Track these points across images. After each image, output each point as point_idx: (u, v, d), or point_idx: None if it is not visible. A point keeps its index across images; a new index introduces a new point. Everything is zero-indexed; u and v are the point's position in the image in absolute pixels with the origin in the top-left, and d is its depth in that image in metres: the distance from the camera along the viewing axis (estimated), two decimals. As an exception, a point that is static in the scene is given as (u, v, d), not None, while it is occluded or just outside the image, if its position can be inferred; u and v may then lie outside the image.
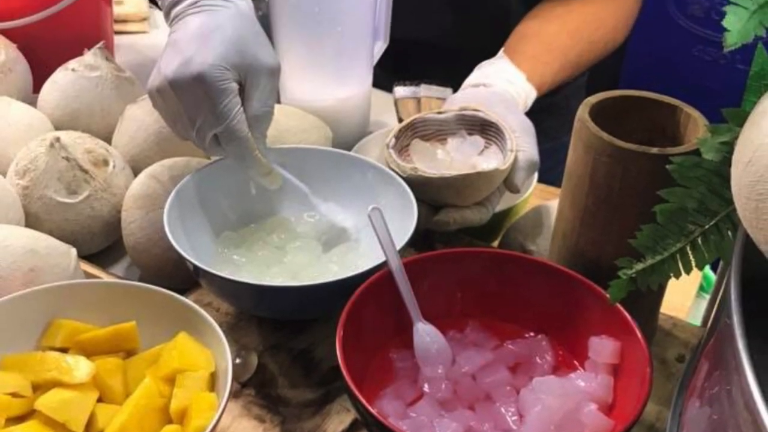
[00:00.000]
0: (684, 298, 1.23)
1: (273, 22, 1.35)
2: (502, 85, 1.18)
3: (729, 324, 0.55)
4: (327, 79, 1.44)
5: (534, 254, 1.17)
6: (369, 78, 1.49)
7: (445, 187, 0.99)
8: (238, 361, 0.98)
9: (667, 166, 0.82)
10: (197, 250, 1.06)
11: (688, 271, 0.85)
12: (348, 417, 1.01)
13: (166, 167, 1.18)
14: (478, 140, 1.07)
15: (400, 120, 1.29)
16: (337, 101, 1.43)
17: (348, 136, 1.42)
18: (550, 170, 1.30)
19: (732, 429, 0.57)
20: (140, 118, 1.23)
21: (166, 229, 1.02)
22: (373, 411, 0.85)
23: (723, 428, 0.58)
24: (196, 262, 0.98)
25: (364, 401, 0.84)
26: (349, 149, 1.28)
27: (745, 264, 0.61)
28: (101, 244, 1.16)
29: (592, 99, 0.99)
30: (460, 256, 1.05)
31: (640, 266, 0.87)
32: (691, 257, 0.84)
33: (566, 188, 1.02)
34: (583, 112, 0.96)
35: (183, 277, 1.07)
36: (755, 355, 0.52)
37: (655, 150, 0.90)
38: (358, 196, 1.16)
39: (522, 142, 1.05)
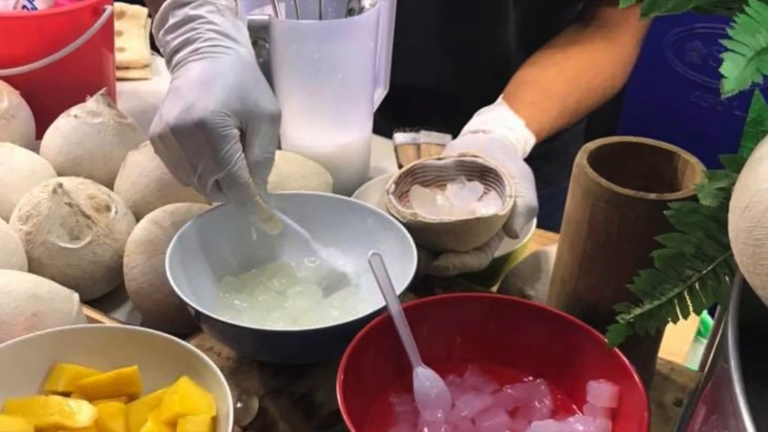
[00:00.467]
0: (682, 343, 1.23)
1: (274, 68, 1.36)
2: (501, 131, 1.19)
3: (726, 368, 0.56)
4: (327, 126, 1.46)
5: (533, 299, 1.17)
6: (369, 124, 1.51)
7: (445, 232, 1.00)
8: (239, 405, 0.98)
9: (665, 212, 0.82)
10: (199, 295, 1.07)
11: (685, 315, 0.84)
12: (348, 463, 0.96)
13: (167, 213, 1.19)
14: (478, 186, 1.08)
15: (400, 166, 1.30)
16: (337, 147, 1.44)
17: (348, 182, 1.43)
18: (548, 216, 1.31)
19: (729, 473, 0.56)
20: (142, 164, 1.24)
21: (168, 274, 1.03)
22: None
23: (720, 472, 0.57)
24: (198, 307, 0.99)
25: (364, 446, 0.82)
26: (350, 195, 1.29)
27: (742, 309, 0.61)
28: (103, 289, 1.17)
29: (591, 145, 1.00)
30: (459, 301, 1.05)
31: (638, 311, 0.86)
32: (689, 302, 0.83)
33: (565, 234, 1.03)
34: (581, 158, 0.97)
35: (185, 321, 1.07)
36: (752, 400, 0.52)
37: (653, 196, 0.91)
38: (358, 241, 1.16)
39: (521, 188, 1.07)
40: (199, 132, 1.02)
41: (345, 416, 0.86)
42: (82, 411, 0.85)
